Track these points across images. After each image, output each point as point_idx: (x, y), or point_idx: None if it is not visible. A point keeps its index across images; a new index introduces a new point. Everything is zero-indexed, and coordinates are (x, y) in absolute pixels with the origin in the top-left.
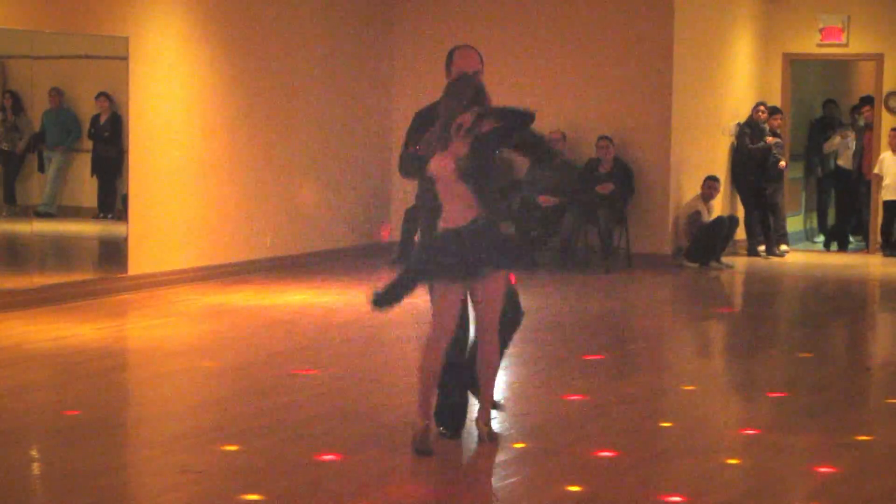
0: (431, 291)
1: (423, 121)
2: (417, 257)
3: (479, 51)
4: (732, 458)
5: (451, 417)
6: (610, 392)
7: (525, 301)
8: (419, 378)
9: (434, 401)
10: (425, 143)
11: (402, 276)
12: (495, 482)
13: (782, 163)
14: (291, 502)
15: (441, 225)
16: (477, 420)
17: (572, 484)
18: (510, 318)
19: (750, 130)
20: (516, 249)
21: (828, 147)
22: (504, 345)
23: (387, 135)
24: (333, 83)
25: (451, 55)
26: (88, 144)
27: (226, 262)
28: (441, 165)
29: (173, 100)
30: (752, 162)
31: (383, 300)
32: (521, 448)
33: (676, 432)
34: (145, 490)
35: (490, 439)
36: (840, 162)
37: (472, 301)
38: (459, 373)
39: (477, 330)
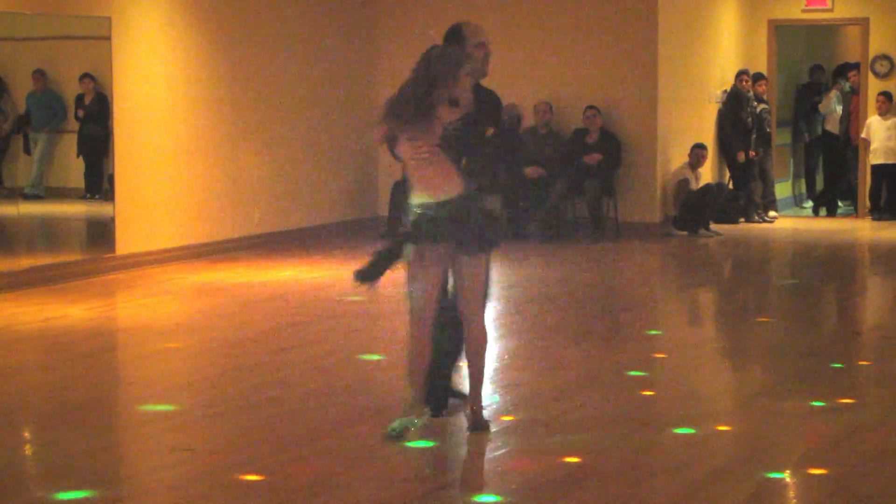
0: (413, 262)
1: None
2: (404, 227)
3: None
4: (723, 424)
5: (434, 398)
6: (600, 361)
7: (514, 272)
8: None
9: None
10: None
11: (384, 249)
12: (486, 453)
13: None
14: (284, 478)
15: (418, 197)
16: (469, 406)
17: (562, 455)
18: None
19: (735, 100)
20: (496, 230)
21: (823, 107)
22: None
23: (372, 109)
24: (318, 59)
25: (459, 31)
26: (74, 125)
27: (213, 239)
28: (415, 145)
29: (157, 79)
30: (744, 130)
31: (367, 275)
32: (511, 420)
33: (667, 400)
34: (137, 469)
35: (480, 428)
36: (827, 127)
37: (455, 281)
38: (443, 354)
39: (461, 311)
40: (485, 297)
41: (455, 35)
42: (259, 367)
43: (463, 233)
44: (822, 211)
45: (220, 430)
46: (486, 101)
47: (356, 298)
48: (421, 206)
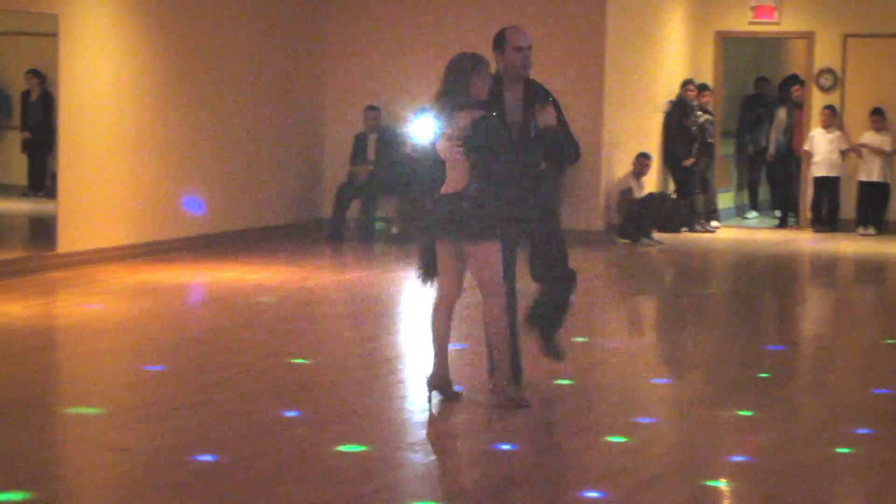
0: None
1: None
2: (422, 222)
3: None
4: (659, 433)
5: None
6: (537, 368)
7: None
8: (432, 340)
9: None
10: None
11: (424, 248)
12: (419, 458)
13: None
14: (219, 480)
15: (441, 191)
16: (494, 383)
17: (497, 461)
18: (561, 279)
19: (680, 109)
20: (482, 223)
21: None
22: (560, 307)
23: (319, 111)
24: (265, 59)
25: (503, 35)
26: (18, 121)
27: (156, 239)
28: (444, 145)
29: (104, 77)
30: (688, 139)
31: (427, 274)
32: (446, 425)
33: (604, 408)
34: (74, 468)
35: (511, 399)
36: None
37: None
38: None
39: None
40: (497, 283)
41: (498, 39)
42: (198, 368)
43: (454, 225)
44: (789, 221)
45: (157, 431)
46: (534, 94)
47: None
48: (431, 201)
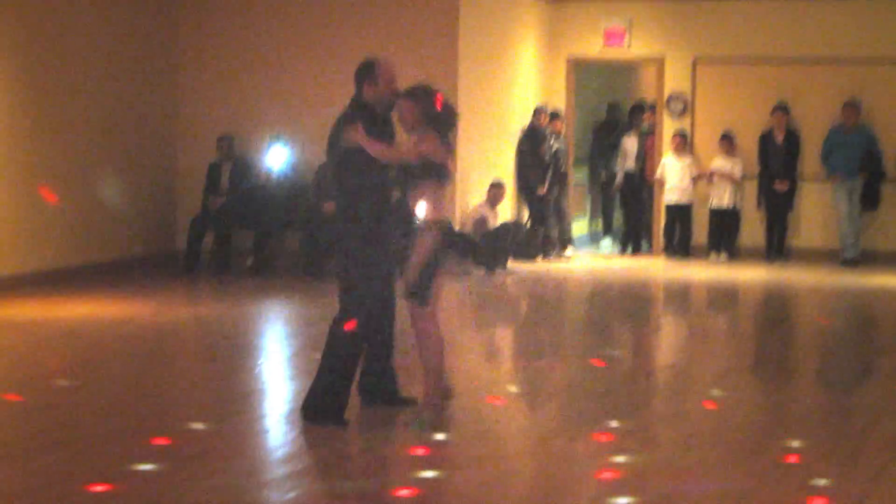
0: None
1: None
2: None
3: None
4: (514, 465)
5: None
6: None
7: (312, 310)
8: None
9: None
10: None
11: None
12: (277, 496)
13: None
14: None
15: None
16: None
17: (351, 498)
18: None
19: (532, 137)
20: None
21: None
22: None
23: (171, 141)
24: (115, 89)
25: (372, 67)
26: None
27: (3, 274)
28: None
29: None
30: (541, 167)
31: (423, 295)
32: (303, 462)
33: (459, 441)
34: None
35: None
36: (627, 166)
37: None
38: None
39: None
40: None
41: (369, 70)
42: (48, 407)
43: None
44: (629, 248)
45: (5, 475)
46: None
47: None
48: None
